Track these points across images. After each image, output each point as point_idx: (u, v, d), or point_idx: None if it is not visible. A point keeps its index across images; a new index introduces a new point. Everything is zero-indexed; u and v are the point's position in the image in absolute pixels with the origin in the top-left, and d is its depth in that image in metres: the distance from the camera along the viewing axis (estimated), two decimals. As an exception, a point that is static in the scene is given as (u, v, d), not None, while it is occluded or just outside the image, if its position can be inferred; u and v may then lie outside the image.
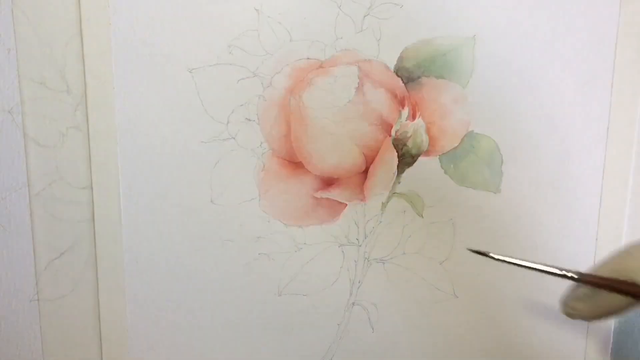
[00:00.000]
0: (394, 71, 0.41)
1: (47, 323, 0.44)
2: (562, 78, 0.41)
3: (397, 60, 0.41)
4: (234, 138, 0.42)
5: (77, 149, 0.42)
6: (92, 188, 0.42)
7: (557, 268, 0.31)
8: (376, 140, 0.42)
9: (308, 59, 0.41)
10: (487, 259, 0.44)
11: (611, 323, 0.45)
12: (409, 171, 0.42)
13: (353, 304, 0.44)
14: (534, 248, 0.43)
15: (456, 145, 0.42)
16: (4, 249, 0.43)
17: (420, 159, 0.42)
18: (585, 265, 0.44)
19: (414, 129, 0.41)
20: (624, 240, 0.43)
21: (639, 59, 0.41)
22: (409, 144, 0.42)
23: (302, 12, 0.40)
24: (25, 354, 0.45)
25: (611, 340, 0.45)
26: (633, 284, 0.29)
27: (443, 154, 0.42)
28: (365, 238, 0.43)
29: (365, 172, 0.42)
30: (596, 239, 0.43)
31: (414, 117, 0.41)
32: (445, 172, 0.42)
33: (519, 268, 0.43)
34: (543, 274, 0.32)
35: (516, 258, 0.33)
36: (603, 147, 0.42)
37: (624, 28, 0.40)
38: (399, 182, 0.42)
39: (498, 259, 0.33)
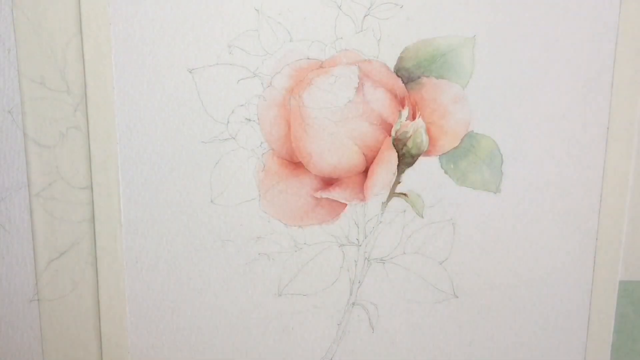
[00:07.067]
0: (394, 71, 0.41)
1: (47, 323, 0.44)
2: (562, 78, 0.41)
3: (397, 60, 0.41)
4: (234, 138, 0.42)
5: (77, 149, 0.42)
6: (92, 188, 0.42)
7: None
8: (376, 140, 0.42)
9: (308, 59, 0.41)
10: (487, 258, 0.44)
11: (611, 323, 0.45)
12: (409, 171, 0.42)
13: (353, 304, 0.44)
14: (533, 248, 0.43)
15: (456, 145, 0.42)
16: (4, 249, 0.43)
17: (420, 159, 0.42)
18: (585, 265, 0.44)
19: (414, 129, 0.41)
20: (624, 240, 0.43)
21: (639, 59, 0.41)
22: (409, 144, 0.42)
23: (302, 12, 0.40)
24: (25, 354, 0.45)
25: (611, 341, 0.45)
26: None
27: (443, 154, 0.42)
28: (365, 238, 0.43)
29: (365, 172, 0.42)
30: (596, 239, 0.43)
31: (414, 117, 0.41)
32: (445, 172, 0.42)
33: (520, 267, 0.44)
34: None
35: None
36: (603, 147, 0.42)
37: (624, 28, 0.40)
38: (399, 182, 0.42)
39: None
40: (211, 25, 0.40)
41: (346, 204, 0.43)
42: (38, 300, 0.44)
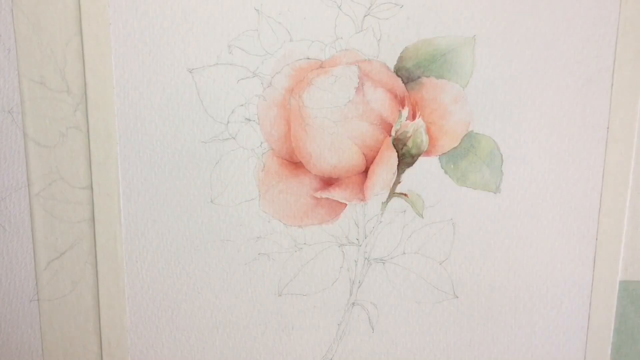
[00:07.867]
0: (394, 71, 0.41)
1: (47, 323, 0.44)
2: (562, 78, 0.41)
3: (397, 60, 0.41)
4: (234, 138, 0.42)
5: (77, 149, 0.42)
6: (92, 188, 0.42)
7: None
8: (376, 140, 0.42)
9: (308, 59, 0.41)
10: (487, 258, 0.44)
11: (611, 323, 0.45)
12: (409, 171, 0.42)
13: (353, 304, 0.44)
14: (533, 248, 0.43)
15: (456, 145, 0.42)
16: (4, 249, 0.43)
17: (420, 159, 0.42)
18: (585, 265, 0.44)
19: (414, 128, 0.41)
20: (624, 240, 0.43)
21: (639, 59, 0.41)
22: (409, 144, 0.42)
23: (302, 12, 0.40)
24: (25, 354, 0.45)
25: (611, 340, 0.45)
26: None
27: (443, 154, 0.42)
28: (365, 238, 0.43)
29: (365, 172, 0.42)
30: (596, 239, 0.43)
31: (414, 117, 0.41)
32: (445, 172, 0.42)
33: (520, 267, 0.44)
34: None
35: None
36: (603, 147, 0.42)
37: (624, 28, 0.40)
38: (399, 182, 0.42)
39: None
40: (211, 25, 0.40)
41: (346, 204, 0.43)
42: (38, 300, 0.44)
